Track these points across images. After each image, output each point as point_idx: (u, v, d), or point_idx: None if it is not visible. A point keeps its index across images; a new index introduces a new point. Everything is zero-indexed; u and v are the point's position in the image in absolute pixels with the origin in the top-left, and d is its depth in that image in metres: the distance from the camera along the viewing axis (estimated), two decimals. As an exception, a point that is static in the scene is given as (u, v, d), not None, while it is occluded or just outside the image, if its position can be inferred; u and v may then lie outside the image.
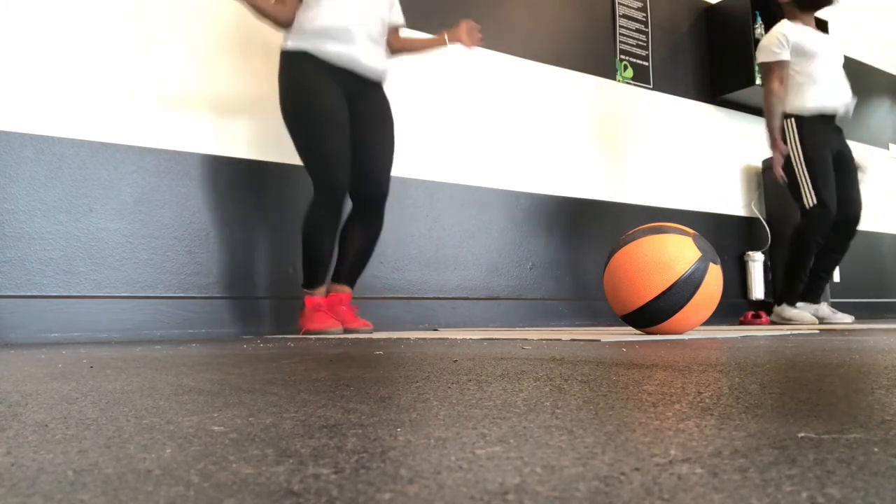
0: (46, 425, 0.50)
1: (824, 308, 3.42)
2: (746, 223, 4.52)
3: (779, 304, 3.38)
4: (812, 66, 3.26)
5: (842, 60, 3.40)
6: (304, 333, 2.43)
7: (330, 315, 2.44)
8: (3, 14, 2.32)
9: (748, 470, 0.32)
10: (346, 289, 2.56)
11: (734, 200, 4.51)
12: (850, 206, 3.32)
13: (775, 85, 3.25)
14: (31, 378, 0.89)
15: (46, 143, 2.35)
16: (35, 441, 0.44)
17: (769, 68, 3.28)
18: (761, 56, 3.32)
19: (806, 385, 0.66)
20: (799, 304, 3.39)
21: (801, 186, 3.21)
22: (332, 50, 2.40)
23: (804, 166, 3.20)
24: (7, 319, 2.23)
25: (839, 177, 3.29)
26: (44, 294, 2.31)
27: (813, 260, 3.34)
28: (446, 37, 2.63)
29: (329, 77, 2.40)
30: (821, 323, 3.39)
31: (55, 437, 0.45)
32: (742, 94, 4.41)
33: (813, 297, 3.41)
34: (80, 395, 0.69)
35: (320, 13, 2.39)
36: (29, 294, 2.28)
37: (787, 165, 3.28)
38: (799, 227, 3.27)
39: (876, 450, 0.36)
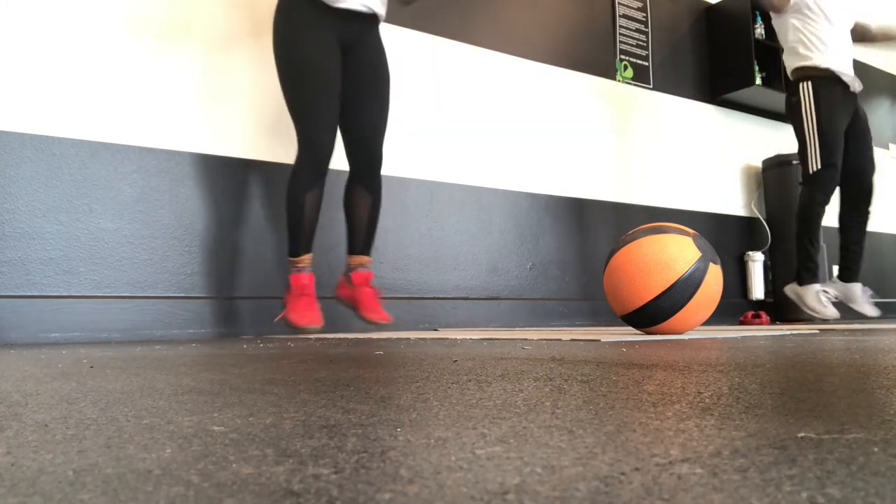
0: (46, 425, 0.50)
1: (856, 289, 3.38)
2: (746, 223, 4.52)
3: (796, 282, 3.35)
4: (818, 26, 3.26)
5: (850, 25, 3.39)
6: (280, 318, 2.38)
7: (314, 305, 2.39)
8: (3, 14, 2.32)
9: (748, 470, 0.32)
10: (365, 259, 2.54)
11: (734, 200, 4.51)
12: (863, 173, 3.32)
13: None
14: (31, 378, 0.89)
15: (46, 143, 2.35)
16: (35, 441, 0.44)
17: None
18: None
19: (806, 385, 0.66)
20: (835, 281, 3.37)
21: (809, 150, 3.23)
22: None
23: (815, 132, 3.21)
24: (7, 319, 2.23)
25: (852, 144, 3.29)
26: (44, 294, 2.31)
27: (840, 235, 3.34)
28: None
29: (322, 24, 2.34)
30: (848, 303, 3.36)
31: (55, 437, 0.45)
32: (742, 94, 4.41)
33: (849, 274, 3.38)
34: (80, 395, 0.69)
35: None
36: (29, 294, 2.28)
37: (798, 127, 3.29)
38: (801, 194, 3.28)
39: (876, 450, 0.36)
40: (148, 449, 0.40)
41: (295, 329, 2.35)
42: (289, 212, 2.38)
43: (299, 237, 2.39)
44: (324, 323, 2.42)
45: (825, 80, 3.25)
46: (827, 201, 3.24)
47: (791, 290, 3.38)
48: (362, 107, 2.47)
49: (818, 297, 3.28)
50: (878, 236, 5.31)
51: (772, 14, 3.45)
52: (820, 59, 3.25)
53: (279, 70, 2.39)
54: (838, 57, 3.27)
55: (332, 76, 2.35)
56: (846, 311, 3.48)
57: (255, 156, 2.76)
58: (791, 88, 3.37)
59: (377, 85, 2.49)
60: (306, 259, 2.41)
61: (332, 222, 2.86)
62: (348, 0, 2.36)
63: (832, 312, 3.26)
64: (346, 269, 2.58)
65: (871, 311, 3.35)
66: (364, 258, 2.54)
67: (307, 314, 2.35)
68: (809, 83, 3.26)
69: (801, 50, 3.29)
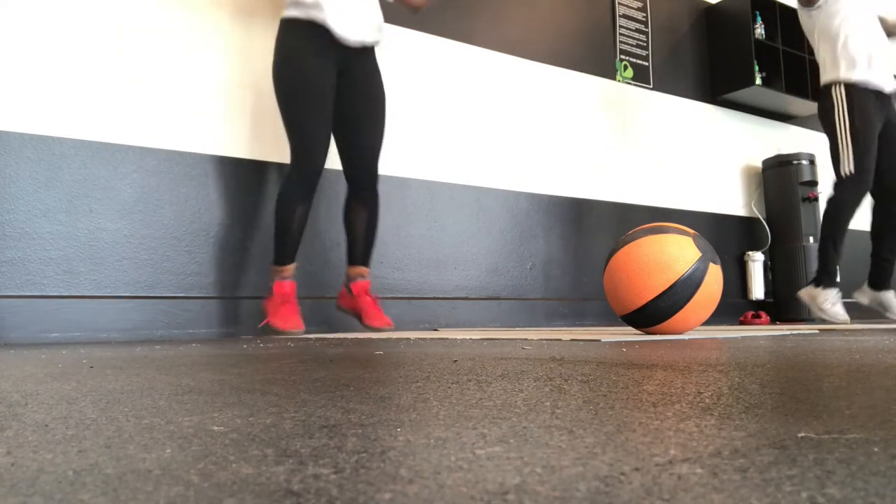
0: (46, 425, 0.50)
1: (890, 296, 3.32)
2: (746, 223, 4.52)
3: (814, 284, 3.24)
4: (852, 36, 3.15)
5: (884, 30, 3.29)
6: (263, 325, 2.46)
7: (296, 312, 2.46)
8: (3, 14, 2.32)
9: (748, 470, 0.32)
10: (364, 269, 2.61)
11: (734, 200, 4.51)
12: (895, 177, 3.23)
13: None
14: (31, 378, 0.89)
15: (46, 143, 2.35)
16: (35, 441, 0.44)
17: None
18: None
19: (806, 385, 0.66)
20: (865, 290, 3.30)
21: (842, 153, 3.13)
22: (318, 18, 2.41)
23: (848, 135, 3.11)
24: (7, 319, 2.23)
25: (884, 148, 3.22)
26: (44, 294, 2.31)
27: (872, 243, 3.27)
28: None
29: (320, 45, 2.42)
30: (884, 312, 3.29)
31: (55, 437, 0.45)
32: (742, 94, 4.41)
33: (880, 283, 3.30)
34: (80, 395, 0.69)
35: None
36: (29, 294, 2.28)
37: (831, 132, 3.19)
38: (831, 197, 3.17)
39: (876, 450, 0.36)
40: (148, 449, 0.40)
41: (278, 333, 2.42)
42: (279, 221, 2.44)
43: (286, 247, 2.45)
44: (304, 327, 2.48)
45: (859, 85, 3.14)
46: (858, 205, 3.13)
47: (807, 292, 3.27)
48: (358, 127, 2.55)
49: (832, 301, 3.18)
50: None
51: (799, 11, 3.33)
52: (855, 75, 3.14)
53: (276, 87, 2.47)
54: (874, 67, 3.16)
55: (326, 96, 2.44)
56: (870, 313, 3.44)
57: (255, 156, 2.76)
58: (824, 92, 3.25)
59: (372, 106, 2.58)
60: (290, 268, 2.48)
61: (332, 222, 2.87)
62: (346, 32, 2.44)
63: (844, 317, 3.20)
64: (346, 280, 2.65)
65: None
66: (363, 269, 2.62)
67: (291, 319, 2.44)
68: (842, 86, 3.15)
69: (836, 63, 3.18)
